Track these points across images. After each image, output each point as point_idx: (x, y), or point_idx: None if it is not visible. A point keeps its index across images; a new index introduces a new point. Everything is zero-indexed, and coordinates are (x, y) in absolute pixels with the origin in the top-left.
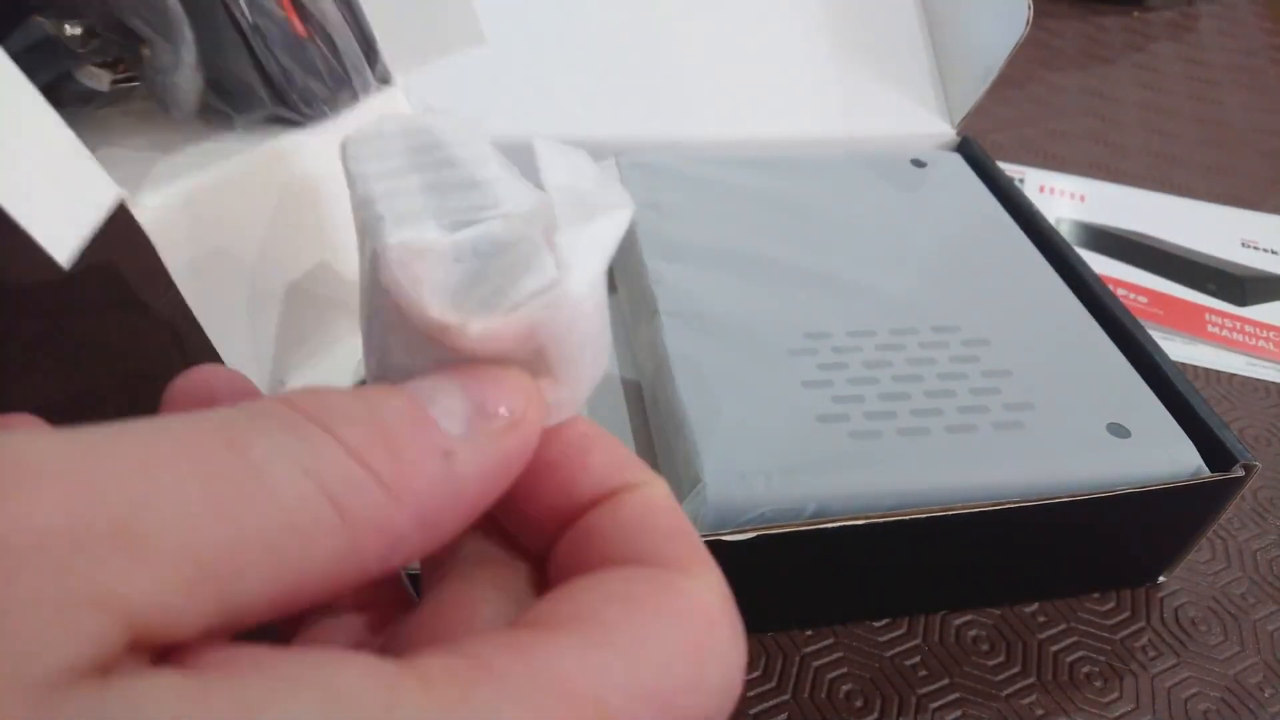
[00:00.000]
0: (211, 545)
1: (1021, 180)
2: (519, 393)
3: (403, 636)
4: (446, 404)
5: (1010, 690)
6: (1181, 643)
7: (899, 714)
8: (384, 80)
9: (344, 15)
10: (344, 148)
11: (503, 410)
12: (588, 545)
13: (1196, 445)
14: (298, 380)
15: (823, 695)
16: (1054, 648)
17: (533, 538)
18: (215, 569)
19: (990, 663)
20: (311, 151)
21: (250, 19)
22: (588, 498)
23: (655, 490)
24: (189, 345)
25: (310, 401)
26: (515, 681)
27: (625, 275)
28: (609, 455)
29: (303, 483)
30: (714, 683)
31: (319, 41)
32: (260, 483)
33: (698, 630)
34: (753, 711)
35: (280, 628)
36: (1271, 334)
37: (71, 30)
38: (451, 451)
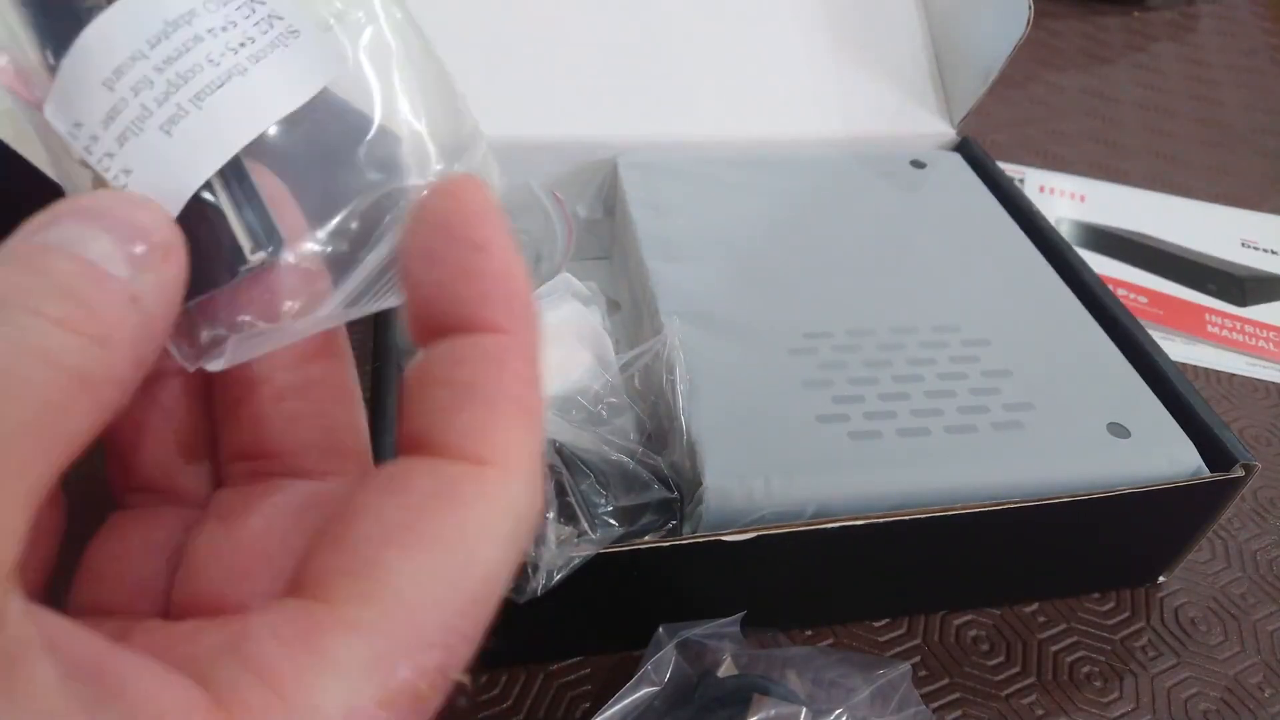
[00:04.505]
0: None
1: (1021, 180)
2: (156, 216)
3: (195, 557)
4: (100, 250)
5: (1010, 690)
6: (1181, 643)
7: None
8: None
9: None
10: None
11: (150, 243)
12: (422, 392)
13: (1196, 445)
14: None
15: None
16: (1054, 648)
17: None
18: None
19: (990, 663)
20: None
21: None
22: (446, 322)
23: (500, 341)
24: None
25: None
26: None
27: (625, 275)
28: (486, 286)
29: (42, 365)
30: (489, 603)
31: None
32: (12, 376)
33: (488, 564)
34: None
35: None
36: (1271, 334)
37: None
38: (136, 295)
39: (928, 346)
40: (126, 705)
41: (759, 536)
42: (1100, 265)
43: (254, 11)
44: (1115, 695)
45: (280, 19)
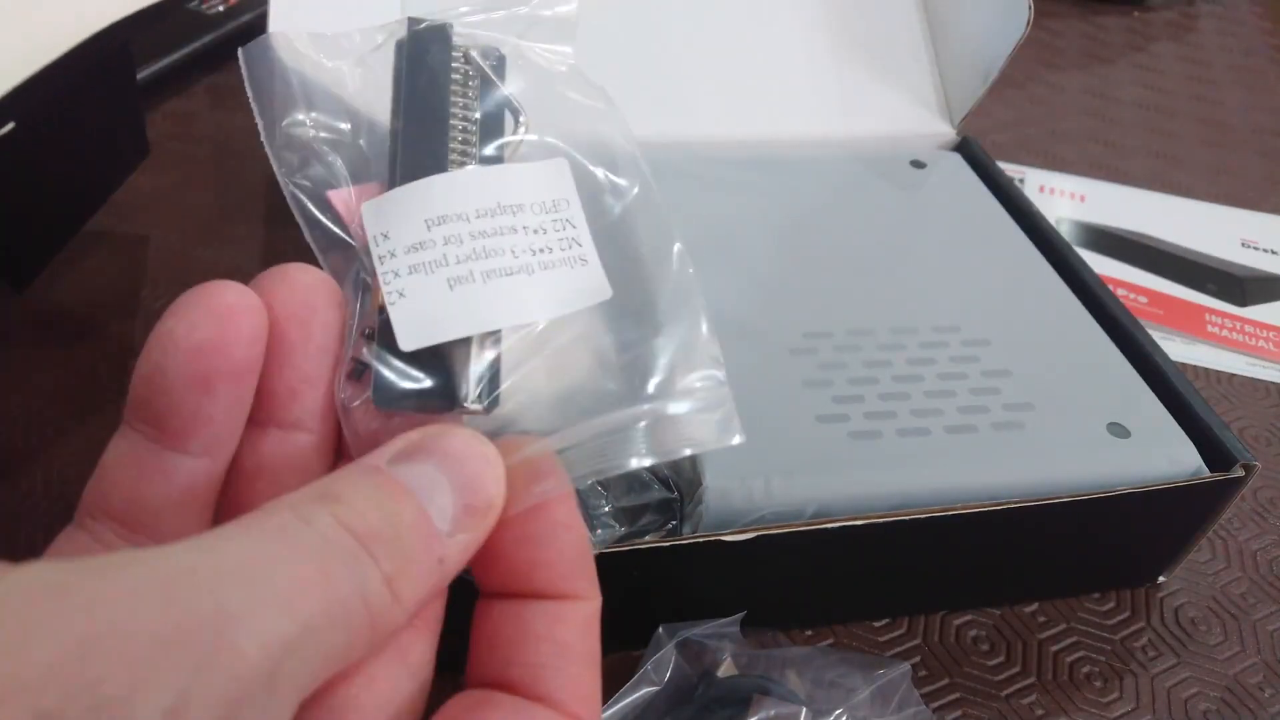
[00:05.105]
0: (295, 637)
1: (1021, 180)
2: (497, 483)
3: None
4: (440, 502)
5: (1010, 690)
6: (1181, 643)
7: None
8: None
9: None
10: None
11: (482, 503)
12: (513, 638)
13: (1196, 445)
14: None
15: None
16: (1054, 648)
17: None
18: (293, 655)
19: (990, 663)
20: None
21: None
22: (537, 588)
23: (591, 608)
24: None
25: (357, 521)
26: None
27: None
28: (571, 554)
29: (357, 600)
30: None
31: None
32: (324, 573)
33: None
34: None
35: None
36: (1271, 334)
37: None
38: (444, 558)
39: (928, 346)
40: None
41: (759, 536)
42: (1100, 265)
43: (564, 229)
44: (1115, 695)
45: (580, 245)
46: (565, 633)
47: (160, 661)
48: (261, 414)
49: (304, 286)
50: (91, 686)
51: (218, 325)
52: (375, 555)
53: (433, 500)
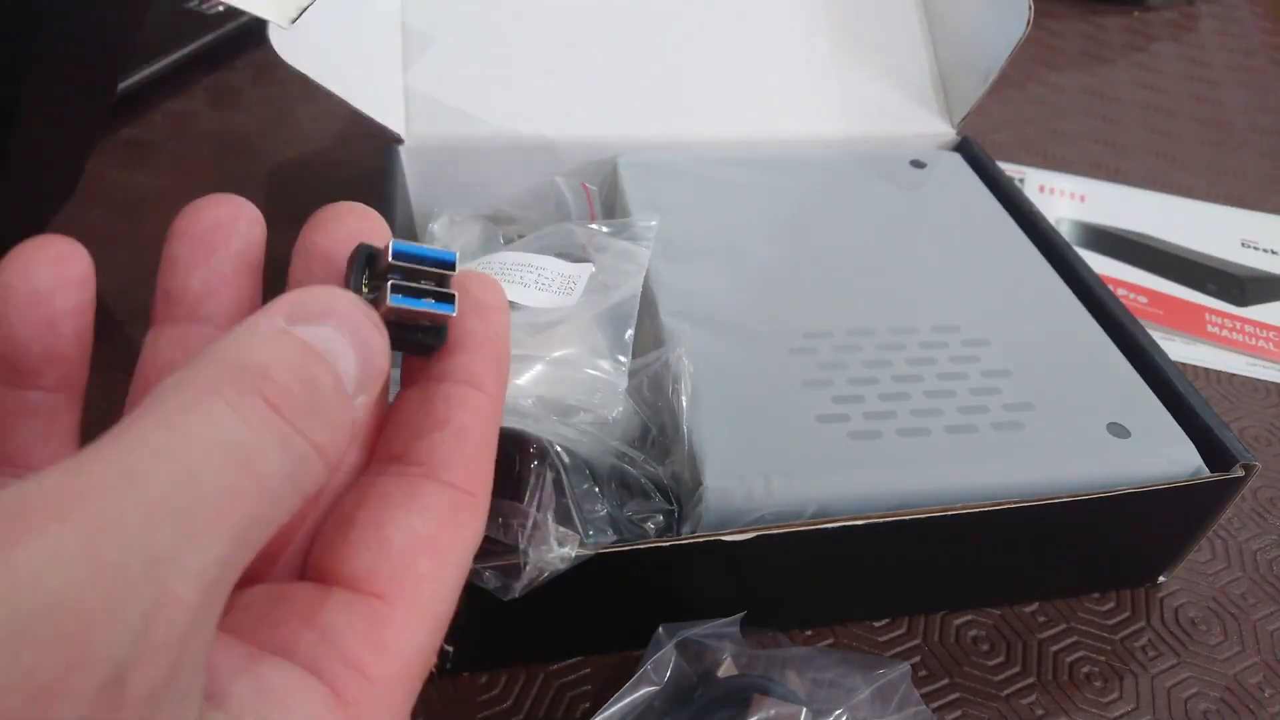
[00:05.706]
0: (238, 515)
1: (1021, 180)
2: (385, 349)
3: None
4: (345, 365)
5: (1010, 690)
6: (1181, 643)
7: None
8: None
9: None
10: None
11: (377, 368)
12: (415, 417)
13: (1196, 445)
14: None
15: None
16: (1054, 648)
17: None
18: (228, 568)
19: (990, 663)
20: None
21: None
22: (439, 372)
23: (490, 402)
24: None
25: (284, 397)
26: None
27: None
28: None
29: (289, 486)
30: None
31: None
32: (254, 475)
33: (465, 572)
34: None
35: None
36: (1271, 334)
37: None
38: (356, 419)
39: (928, 346)
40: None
41: (759, 536)
42: (1100, 265)
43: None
44: (1115, 695)
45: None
46: (464, 418)
47: (94, 638)
48: (172, 311)
49: (226, 204)
50: (27, 675)
51: (53, 270)
52: (305, 430)
53: (338, 363)
